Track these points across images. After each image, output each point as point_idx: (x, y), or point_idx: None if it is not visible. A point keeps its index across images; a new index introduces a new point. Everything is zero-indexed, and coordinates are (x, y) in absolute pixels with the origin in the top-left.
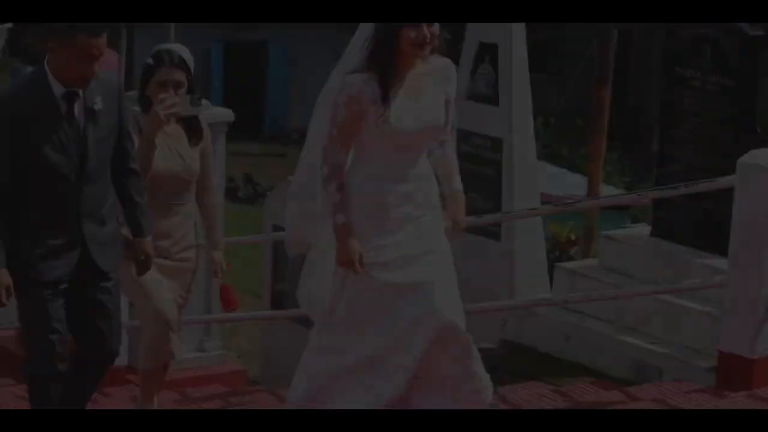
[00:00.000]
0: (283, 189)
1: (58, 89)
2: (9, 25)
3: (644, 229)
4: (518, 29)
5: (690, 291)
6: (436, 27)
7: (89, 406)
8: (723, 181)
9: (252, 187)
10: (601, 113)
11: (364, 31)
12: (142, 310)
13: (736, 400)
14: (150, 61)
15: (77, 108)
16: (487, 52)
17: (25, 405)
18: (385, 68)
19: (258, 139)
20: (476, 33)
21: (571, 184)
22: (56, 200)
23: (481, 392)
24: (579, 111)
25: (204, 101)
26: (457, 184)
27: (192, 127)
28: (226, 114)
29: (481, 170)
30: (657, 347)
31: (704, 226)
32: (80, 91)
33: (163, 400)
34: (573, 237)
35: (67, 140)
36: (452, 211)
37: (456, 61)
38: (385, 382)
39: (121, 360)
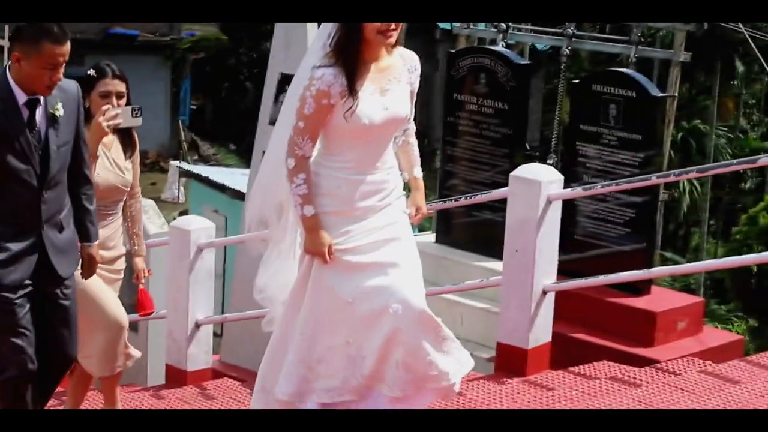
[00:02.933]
0: None
1: (20, 97)
2: None
3: (430, 236)
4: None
5: (470, 290)
6: None
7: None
8: (497, 193)
9: None
10: None
11: (328, 24)
12: (93, 318)
13: (513, 386)
14: (92, 72)
15: (39, 115)
16: (287, 82)
17: None
18: (352, 59)
19: None
20: (277, 65)
21: None
22: (18, 206)
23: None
24: None
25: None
26: (418, 171)
27: (127, 140)
28: None
29: None
30: None
31: (481, 233)
32: (41, 98)
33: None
34: None
35: (28, 147)
36: (415, 197)
37: None
38: (355, 368)
39: None
